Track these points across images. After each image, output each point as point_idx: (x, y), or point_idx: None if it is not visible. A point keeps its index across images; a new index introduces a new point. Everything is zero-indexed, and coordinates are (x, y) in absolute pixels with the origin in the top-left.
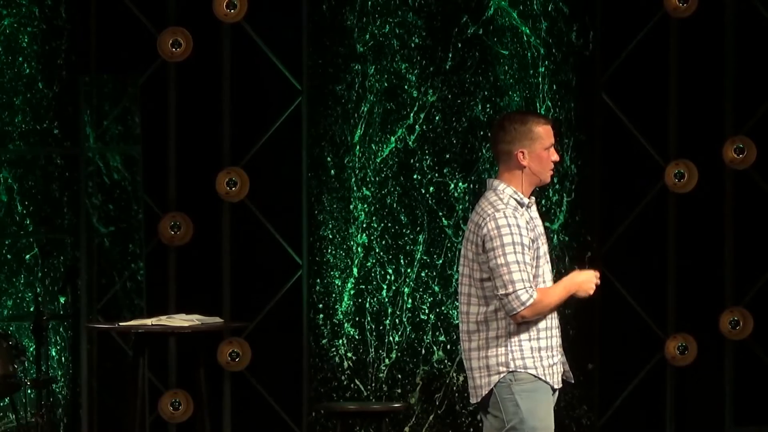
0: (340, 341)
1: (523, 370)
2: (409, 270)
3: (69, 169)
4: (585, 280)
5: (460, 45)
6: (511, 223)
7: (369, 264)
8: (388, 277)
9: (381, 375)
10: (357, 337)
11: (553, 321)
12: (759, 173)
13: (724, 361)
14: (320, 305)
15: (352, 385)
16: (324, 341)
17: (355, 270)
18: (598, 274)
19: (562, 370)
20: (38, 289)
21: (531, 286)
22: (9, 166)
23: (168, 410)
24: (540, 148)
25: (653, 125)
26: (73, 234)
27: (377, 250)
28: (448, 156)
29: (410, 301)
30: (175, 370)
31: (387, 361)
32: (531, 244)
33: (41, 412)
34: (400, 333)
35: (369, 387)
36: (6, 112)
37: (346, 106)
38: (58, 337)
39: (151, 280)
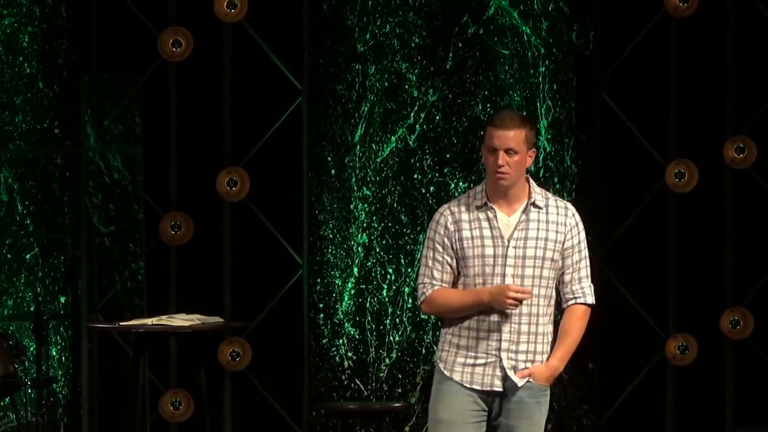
0: (341, 341)
1: (438, 362)
2: (409, 269)
3: (69, 169)
4: (497, 293)
5: (460, 45)
6: (434, 219)
7: (369, 264)
8: (389, 276)
9: (381, 375)
10: (357, 336)
11: (483, 324)
12: (759, 173)
13: (725, 360)
14: (321, 305)
15: (352, 385)
16: (324, 341)
17: (355, 270)
18: (514, 290)
19: (495, 373)
20: (39, 289)
21: (431, 283)
22: (9, 166)
23: (168, 410)
24: (484, 148)
25: (654, 125)
26: (73, 234)
27: (378, 250)
28: (448, 156)
29: (410, 300)
30: (175, 370)
31: (387, 360)
32: (453, 243)
33: (42, 412)
34: (400, 333)
35: (369, 386)
36: (6, 112)
37: (347, 106)
38: (58, 337)
39: (151, 279)
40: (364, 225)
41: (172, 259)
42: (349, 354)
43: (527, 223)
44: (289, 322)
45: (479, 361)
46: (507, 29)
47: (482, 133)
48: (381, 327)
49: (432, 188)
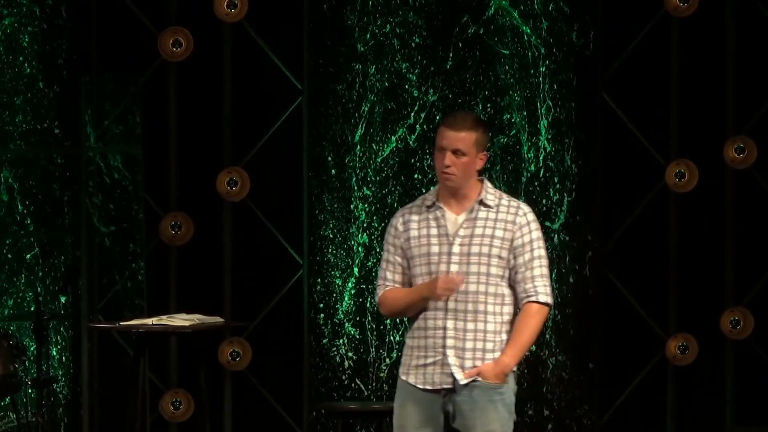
0: (341, 341)
1: (400, 367)
2: None
3: (70, 169)
4: (431, 284)
5: (460, 45)
6: (390, 222)
7: (370, 263)
8: None
9: (382, 374)
10: (358, 336)
11: (429, 322)
12: (760, 173)
13: (725, 360)
14: (321, 305)
15: (352, 385)
16: (325, 341)
17: (355, 269)
18: (444, 279)
19: (444, 371)
20: (39, 289)
21: (383, 284)
22: (10, 166)
23: (169, 410)
24: (435, 147)
25: (654, 125)
26: (73, 233)
27: (378, 250)
28: None
29: None
30: (175, 370)
31: (388, 360)
32: (404, 244)
33: (42, 412)
34: (400, 332)
35: (370, 386)
36: (7, 112)
37: (347, 106)
38: (58, 337)
39: (151, 279)
40: (365, 225)
41: (172, 259)
42: (350, 354)
43: (474, 221)
44: (289, 322)
45: (429, 361)
46: (507, 29)
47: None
48: (381, 327)
49: (432, 188)
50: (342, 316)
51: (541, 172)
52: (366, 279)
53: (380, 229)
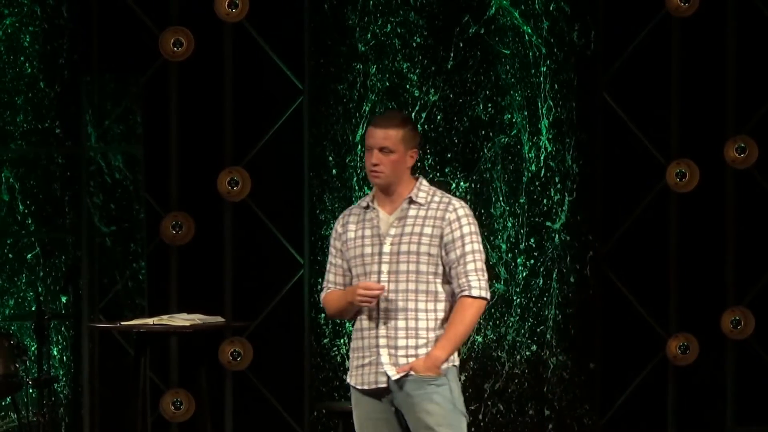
0: (342, 341)
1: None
2: None
3: (70, 169)
4: (353, 290)
5: (461, 44)
6: (335, 225)
7: None
8: None
9: None
10: None
11: (364, 323)
12: (760, 173)
13: (726, 360)
14: (322, 305)
15: None
16: (325, 340)
17: None
18: (363, 286)
19: (378, 370)
20: (40, 289)
21: (326, 286)
22: (11, 166)
23: (169, 410)
24: (365, 147)
25: (655, 125)
26: (74, 233)
27: None
28: (449, 155)
29: None
30: (176, 370)
31: None
32: (343, 246)
33: (43, 412)
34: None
35: None
36: (8, 112)
37: (348, 106)
38: (59, 337)
39: (152, 279)
40: None
41: (173, 259)
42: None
43: (405, 219)
44: (290, 322)
45: (365, 361)
46: (508, 29)
47: None
48: None
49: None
50: None
51: (542, 172)
52: None
53: None
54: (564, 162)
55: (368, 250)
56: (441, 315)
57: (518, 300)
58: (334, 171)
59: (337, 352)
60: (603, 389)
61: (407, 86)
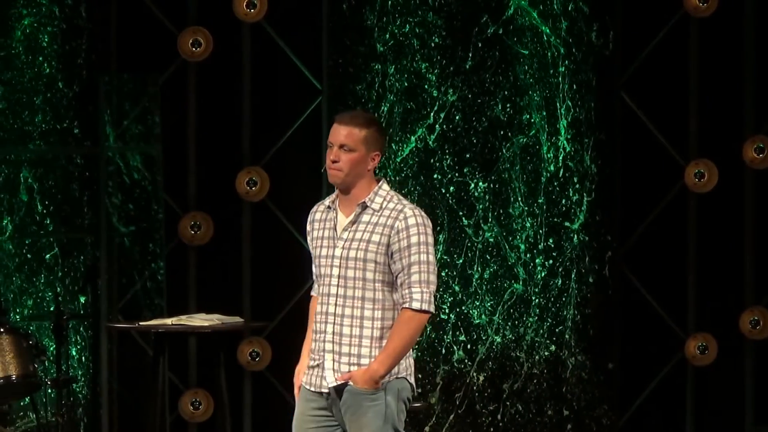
0: None
1: None
2: None
3: (89, 169)
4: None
5: (480, 44)
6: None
7: None
8: None
9: None
10: None
11: (317, 326)
12: None
13: (745, 360)
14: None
15: None
16: None
17: None
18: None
19: (322, 374)
20: (58, 289)
21: (315, 281)
22: (29, 166)
23: (188, 410)
24: (327, 144)
25: (673, 125)
26: (93, 233)
27: None
28: (468, 156)
29: None
30: (195, 370)
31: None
32: (310, 243)
33: (61, 412)
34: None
35: None
36: (26, 112)
37: (366, 106)
38: (78, 337)
39: (171, 279)
40: None
41: (191, 259)
42: None
43: (357, 224)
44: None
45: (314, 363)
46: (526, 29)
47: None
48: None
49: (452, 188)
50: None
51: (561, 172)
52: None
53: None
54: (582, 162)
55: (325, 252)
56: (388, 323)
57: (537, 300)
58: None
59: None
60: (622, 389)
61: (426, 86)
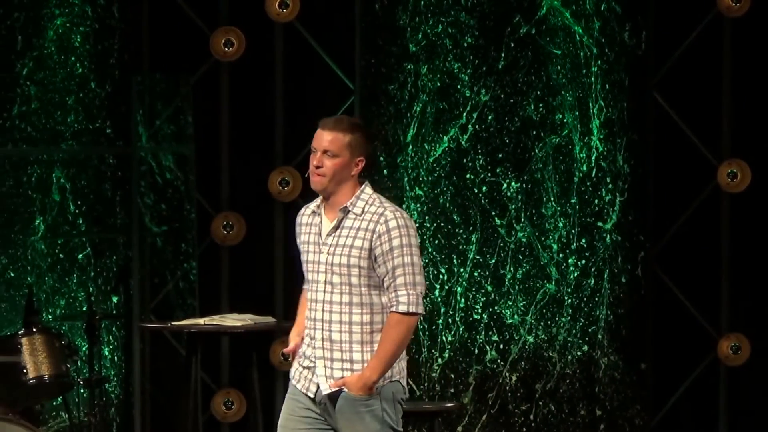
0: None
1: None
2: (462, 269)
3: (121, 169)
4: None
5: (512, 44)
6: None
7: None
8: (441, 276)
9: (434, 375)
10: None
11: (308, 331)
12: None
13: None
14: None
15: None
16: None
17: None
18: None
19: (312, 379)
20: (91, 289)
21: (305, 286)
22: (62, 166)
23: (221, 410)
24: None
25: (706, 124)
26: (125, 233)
27: (430, 250)
28: (500, 155)
29: (463, 300)
30: (227, 370)
31: (440, 360)
32: (300, 245)
33: (94, 412)
34: (452, 333)
35: (422, 387)
36: (59, 112)
37: (399, 106)
38: (110, 337)
39: (203, 279)
40: (417, 225)
41: (224, 259)
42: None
43: (341, 230)
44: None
45: (305, 364)
46: (559, 29)
47: None
48: (433, 327)
49: (484, 188)
50: None
51: (594, 172)
52: None
53: (432, 229)
54: (615, 162)
55: (311, 257)
56: (378, 327)
57: (569, 300)
58: (385, 171)
59: None
60: (654, 389)
61: (458, 86)
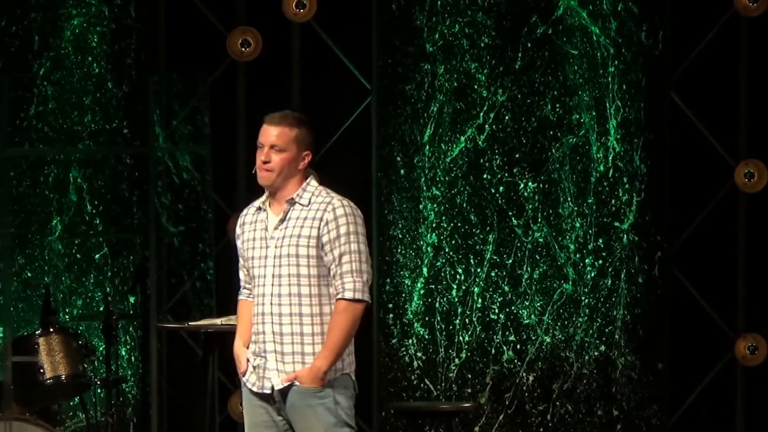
0: (410, 341)
1: None
2: (479, 270)
3: (138, 169)
4: (239, 356)
5: (529, 45)
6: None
7: (439, 264)
8: (458, 276)
9: (451, 375)
10: (427, 336)
11: (257, 327)
12: None
13: None
14: (390, 305)
15: (421, 385)
16: (394, 341)
17: (425, 270)
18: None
19: (265, 375)
20: (108, 289)
21: (243, 286)
22: (79, 166)
23: (238, 410)
24: (257, 146)
25: (723, 124)
26: (142, 233)
27: (447, 250)
28: (517, 155)
29: (480, 300)
30: None
31: (457, 360)
32: (241, 247)
33: (111, 412)
34: (469, 333)
35: (439, 387)
36: (76, 112)
37: (416, 106)
38: (127, 337)
39: (220, 279)
40: (434, 225)
41: None
42: (419, 354)
43: (287, 221)
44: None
45: (256, 363)
46: (576, 29)
47: None
48: (450, 327)
49: (501, 188)
50: (411, 316)
51: (610, 173)
52: (435, 279)
53: (449, 229)
54: (632, 162)
55: (258, 252)
56: (328, 318)
57: (586, 300)
58: (402, 171)
59: (405, 353)
60: (671, 389)
61: (475, 86)
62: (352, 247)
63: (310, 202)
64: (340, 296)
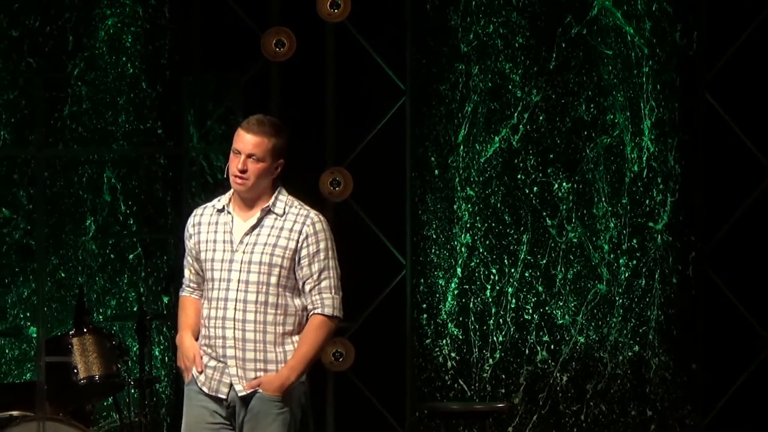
0: (444, 341)
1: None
2: (512, 270)
3: (172, 169)
4: (182, 350)
5: (564, 45)
6: (186, 224)
7: (473, 264)
8: (492, 277)
9: (485, 375)
10: (461, 337)
11: (216, 331)
12: None
13: None
14: (424, 305)
15: (455, 385)
16: (428, 341)
17: (458, 270)
18: (191, 359)
19: (222, 380)
20: (141, 289)
21: (186, 285)
22: (113, 166)
23: None
24: (231, 150)
25: (757, 125)
26: (176, 234)
27: (481, 250)
28: (551, 156)
29: (514, 301)
30: None
31: (491, 361)
32: (195, 247)
33: (144, 412)
34: (503, 333)
35: (473, 387)
36: (110, 112)
37: (450, 106)
38: (161, 337)
39: None
40: (468, 225)
41: None
42: (453, 354)
43: (260, 228)
44: (392, 323)
45: (211, 364)
46: (610, 29)
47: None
48: (484, 327)
49: (535, 188)
50: (445, 317)
51: (645, 173)
52: (469, 279)
53: (483, 229)
54: (666, 162)
55: (219, 255)
56: (290, 329)
57: (620, 300)
58: (436, 171)
59: (439, 353)
60: (705, 390)
61: (509, 87)
62: (330, 263)
63: (285, 213)
64: (319, 311)
